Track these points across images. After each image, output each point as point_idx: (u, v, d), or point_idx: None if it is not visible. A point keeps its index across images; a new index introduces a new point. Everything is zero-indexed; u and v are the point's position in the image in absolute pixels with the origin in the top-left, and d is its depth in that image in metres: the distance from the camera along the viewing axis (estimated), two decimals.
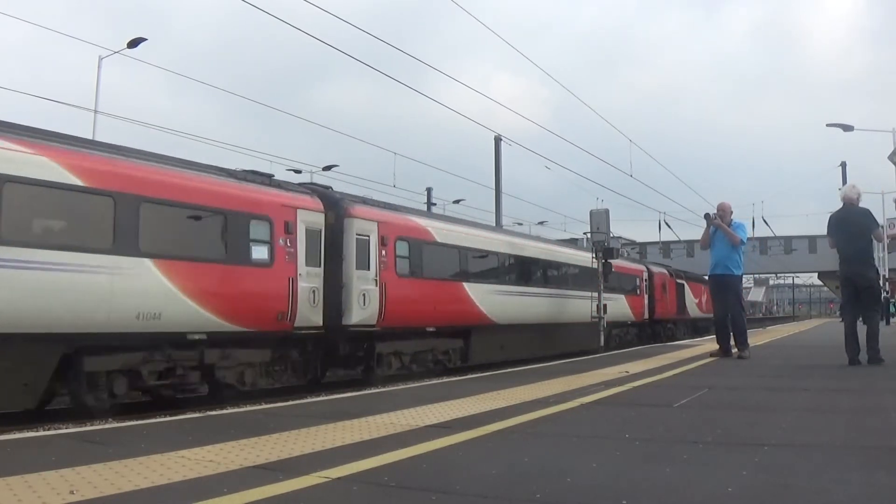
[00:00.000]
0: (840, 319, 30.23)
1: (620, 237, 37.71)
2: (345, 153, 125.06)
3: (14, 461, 3.40)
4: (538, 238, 20.53)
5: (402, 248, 12.26)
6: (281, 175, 14.20)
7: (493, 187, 24.04)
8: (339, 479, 2.97)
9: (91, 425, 5.71)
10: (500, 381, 7.16)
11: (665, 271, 27.44)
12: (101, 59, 21.14)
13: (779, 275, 76.87)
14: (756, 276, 76.92)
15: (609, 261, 18.70)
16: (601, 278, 18.43)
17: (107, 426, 5.38)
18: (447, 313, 13.19)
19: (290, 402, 6.70)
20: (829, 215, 8.66)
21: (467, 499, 2.68)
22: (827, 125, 28.43)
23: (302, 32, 11.23)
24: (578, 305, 18.31)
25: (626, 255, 28.06)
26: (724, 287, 9.67)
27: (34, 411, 7.71)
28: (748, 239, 11.35)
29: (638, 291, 23.55)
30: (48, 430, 5.86)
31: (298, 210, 10.25)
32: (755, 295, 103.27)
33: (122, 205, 7.90)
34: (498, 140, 23.38)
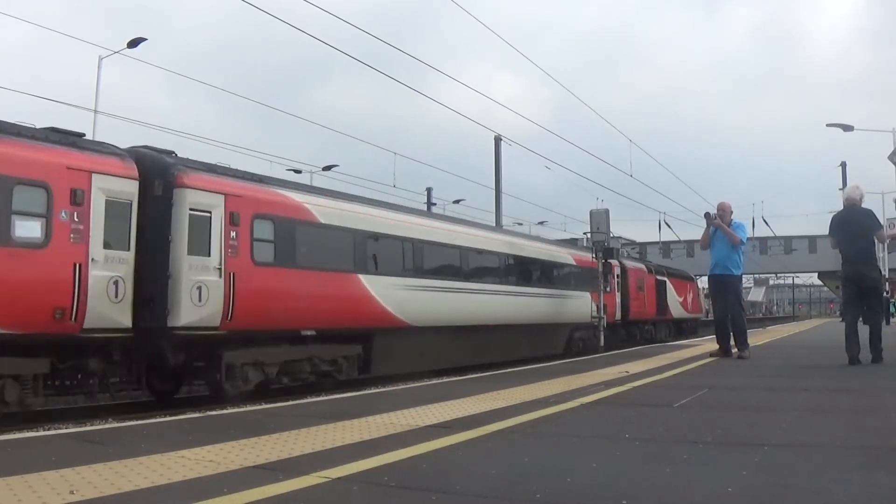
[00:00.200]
0: (840, 319, 30.15)
1: (620, 237, 37.71)
2: (345, 153, 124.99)
3: (14, 461, 3.40)
4: (483, 227, 16.94)
5: (264, 230, 9.52)
6: (281, 175, 14.21)
7: (493, 187, 24.04)
8: (339, 479, 2.97)
9: (91, 425, 5.71)
10: (500, 381, 7.16)
11: (642, 266, 24.84)
12: (101, 59, 21.14)
13: (779, 275, 76.90)
14: (756, 276, 76.97)
15: (570, 252, 17.93)
16: (601, 278, 18.44)
17: (107, 426, 5.39)
18: (334, 313, 10.46)
19: (290, 402, 6.70)
20: (830, 215, 8.68)
21: (467, 499, 2.68)
22: (827, 125, 28.43)
23: (302, 32, 11.23)
24: (537, 305, 16.24)
25: (584, 242, 23.95)
26: (723, 287, 9.66)
27: (34, 411, 7.70)
28: (748, 239, 11.35)
29: (608, 289, 20.36)
30: (48, 430, 5.87)
31: (94, 175, 7.89)
32: (755, 295, 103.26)
33: None
34: (498, 140, 23.38)
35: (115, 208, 8.08)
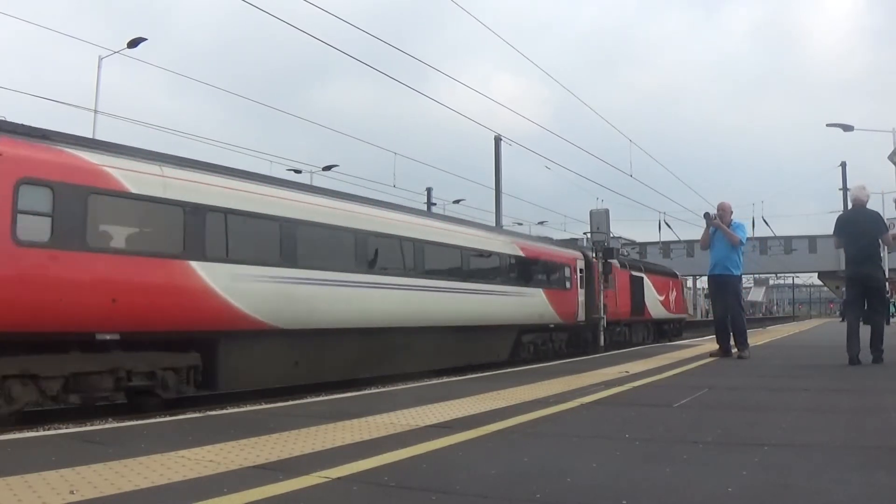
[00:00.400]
0: (841, 319, 30.09)
1: (620, 237, 37.72)
2: (345, 153, 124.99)
3: (14, 461, 3.40)
4: (387, 206, 13.34)
5: (37, 199, 7.19)
6: (281, 175, 14.20)
7: (493, 187, 24.05)
8: (339, 479, 2.97)
9: (91, 425, 5.71)
10: (500, 381, 7.16)
11: (614, 261, 21.68)
12: (101, 59, 21.19)
13: (779, 275, 76.95)
14: (756, 276, 77.04)
15: (514, 241, 15.82)
16: (602, 278, 18.38)
17: (107, 426, 5.38)
18: (150, 311, 7.96)
19: (290, 402, 6.70)
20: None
21: (467, 499, 2.68)
22: (827, 125, 28.45)
23: (302, 32, 11.23)
24: (465, 303, 13.65)
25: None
26: (723, 287, 9.67)
27: (34, 411, 7.70)
28: (748, 239, 11.35)
29: (568, 285, 17.88)
30: (48, 430, 5.86)
31: None
32: (755, 295, 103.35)
33: None
34: (498, 140, 23.40)
35: None
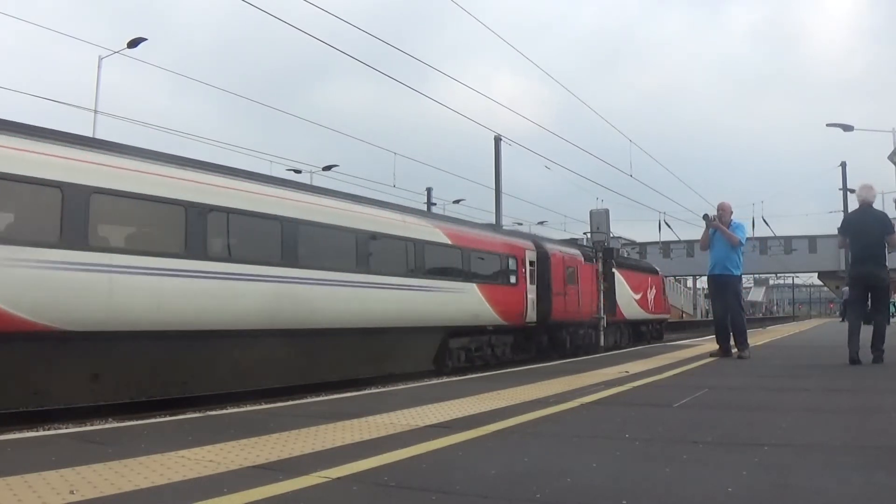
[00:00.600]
0: (841, 319, 30.03)
1: (620, 237, 37.71)
2: (345, 153, 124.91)
3: (14, 461, 3.40)
4: (243, 175, 10.02)
5: None
6: (281, 175, 14.17)
7: (493, 187, 24.06)
8: (339, 479, 2.97)
9: (91, 425, 5.70)
10: (500, 381, 7.16)
11: (576, 253, 19.05)
12: (101, 59, 21.21)
13: (779, 275, 76.96)
14: (756, 276, 77.10)
15: (439, 226, 13.53)
16: (601, 278, 18.34)
17: (107, 426, 5.38)
18: None
19: (290, 402, 6.70)
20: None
21: (467, 499, 2.68)
22: (827, 125, 28.52)
23: (302, 32, 11.23)
24: (362, 300, 11.04)
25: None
26: (723, 287, 9.67)
27: (34, 411, 7.70)
28: (748, 239, 11.36)
29: (513, 280, 15.55)
30: (48, 430, 5.86)
31: None
32: (755, 295, 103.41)
33: None
34: (498, 140, 23.40)
35: None
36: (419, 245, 12.76)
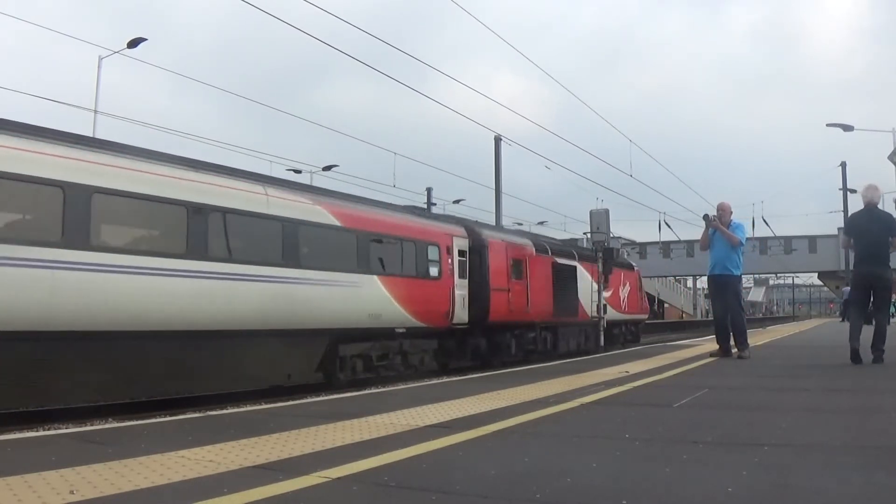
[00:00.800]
0: (841, 319, 30.03)
1: (620, 237, 37.72)
2: (345, 153, 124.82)
3: (14, 461, 3.40)
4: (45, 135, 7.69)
5: None
6: (281, 175, 14.18)
7: (493, 187, 24.07)
8: (339, 479, 2.97)
9: (91, 425, 5.71)
10: (500, 381, 7.16)
11: (526, 243, 16.46)
12: (101, 59, 21.22)
13: (779, 275, 76.99)
14: (756, 276, 77.10)
15: (321, 203, 10.84)
16: (601, 279, 18.34)
17: (107, 426, 5.38)
18: None
19: (290, 402, 6.71)
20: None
21: (467, 499, 2.68)
22: (827, 125, 28.54)
23: (302, 32, 11.24)
24: (211, 296, 8.77)
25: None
26: (723, 287, 9.67)
27: (34, 411, 7.70)
28: (748, 239, 11.36)
29: (434, 272, 12.99)
30: (48, 430, 5.86)
31: None
32: (755, 295, 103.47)
33: None
34: (498, 140, 23.42)
35: None
36: (290, 226, 10.10)
